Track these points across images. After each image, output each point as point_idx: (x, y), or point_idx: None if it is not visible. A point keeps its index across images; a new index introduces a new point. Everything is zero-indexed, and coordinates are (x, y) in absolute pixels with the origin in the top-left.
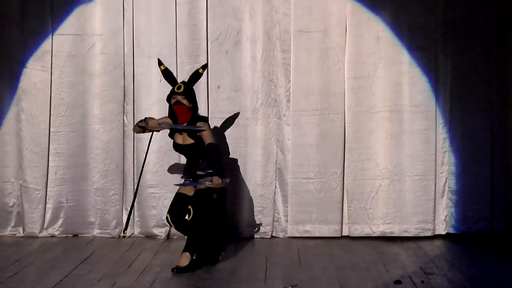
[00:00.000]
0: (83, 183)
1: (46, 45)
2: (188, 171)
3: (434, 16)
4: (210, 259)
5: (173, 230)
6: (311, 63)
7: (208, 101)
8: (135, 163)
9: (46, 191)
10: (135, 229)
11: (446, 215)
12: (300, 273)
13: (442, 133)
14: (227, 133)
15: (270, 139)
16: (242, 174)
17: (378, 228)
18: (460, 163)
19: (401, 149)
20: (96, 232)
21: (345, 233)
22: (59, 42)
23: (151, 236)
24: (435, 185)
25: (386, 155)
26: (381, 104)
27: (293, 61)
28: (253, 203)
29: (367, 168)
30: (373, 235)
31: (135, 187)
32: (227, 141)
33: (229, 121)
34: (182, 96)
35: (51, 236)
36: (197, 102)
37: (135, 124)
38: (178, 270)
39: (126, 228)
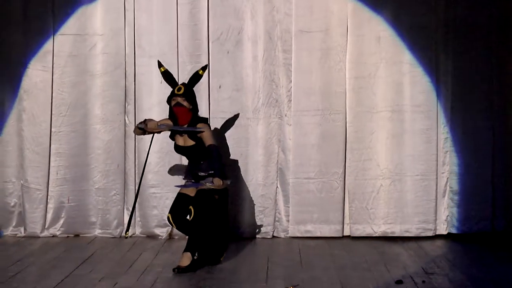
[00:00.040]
0: (84, 183)
1: (47, 45)
2: (189, 172)
3: (435, 16)
4: (212, 259)
5: (175, 230)
6: (312, 63)
7: (209, 101)
8: (136, 163)
9: (48, 191)
10: (136, 229)
11: (447, 215)
12: (301, 273)
13: (443, 133)
14: (228, 133)
15: (271, 139)
16: (243, 174)
17: (379, 228)
18: (461, 163)
19: (402, 149)
20: (97, 232)
21: (346, 233)
22: (60, 42)
23: (152, 236)
24: (436, 185)
25: (387, 155)
26: (382, 104)
27: (294, 61)
28: (254, 203)
29: (368, 168)
30: (374, 235)
31: (136, 189)
32: (228, 141)
33: (230, 122)
34: (182, 97)
35: (53, 236)
36: (199, 102)
37: (135, 126)
38: (179, 270)
39: (128, 229)
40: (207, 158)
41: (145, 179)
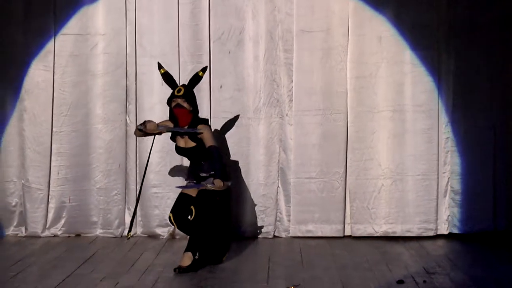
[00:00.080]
0: (85, 182)
1: (48, 45)
2: (191, 173)
3: (437, 15)
4: (214, 259)
5: (177, 230)
6: (313, 63)
7: (210, 101)
8: (137, 162)
9: (49, 191)
10: (137, 229)
11: (449, 215)
12: (302, 273)
13: (444, 133)
14: (229, 133)
15: (272, 139)
16: (244, 174)
17: (380, 228)
18: (462, 162)
19: (403, 148)
20: (98, 231)
21: (347, 232)
22: (61, 42)
23: (153, 236)
24: (438, 184)
25: (388, 154)
26: (383, 104)
27: (295, 60)
28: (255, 203)
29: (370, 167)
30: (375, 235)
31: (138, 190)
32: (230, 141)
33: (231, 122)
34: (182, 99)
35: (54, 236)
36: (200, 102)
37: (136, 127)
38: (180, 270)
39: (130, 230)
40: (209, 159)
41: (146, 179)
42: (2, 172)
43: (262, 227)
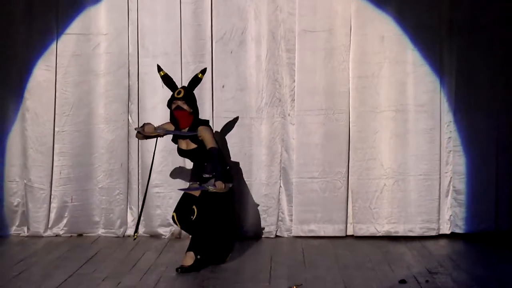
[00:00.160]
0: (87, 182)
1: (51, 44)
2: (194, 175)
3: (439, 14)
4: (218, 259)
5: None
6: (316, 63)
7: (212, 101)
8: (139, 162)
9: (51, 191)
10: (139, 229)
11: (451, 215)
12: (304, 272)
13: (446, 133)
14: (231, 132)
15: (274, 139)
16: (246, 173)
17: (382, 228)
18: (465, 162)
19: (405, 148)
20: (100, 231)
21: (349, 232)
22: (64, 41)
23: (155, 236)
24: (440, 184)
25: (390, 154)
26: (385, 104)
27: (297, 60)
28: (257, 203)
29: (372, 167)
30: (377, 235)
31: (144, 191)
32: (232, 141)
33: (233, 123)
34: (182, 101)
35: (56, 236)
36: (202, 102)
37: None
38: (182, 270)
39: (136, 231)
40: (211, 160)
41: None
42: (4, 171)
43: (264, 227)
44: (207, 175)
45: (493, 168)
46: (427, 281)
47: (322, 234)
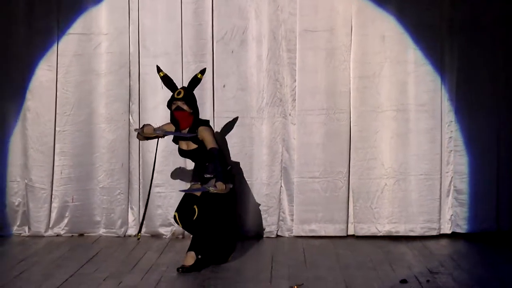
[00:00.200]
0: (88, 182)
1: (52, 44)
2: (196, 175)
3: (440, 13)
4: (219, 259)
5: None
6: (317, 63)
7: (213, 101)
8: (140, 162)
9: (52, 190)
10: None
11: (452, 215)
12: (305, 272)
13: (447, 132)
14: (232, 132)
15: (275, 139)
16: (247, 173)
17: (383, 228)
18: (465, 162)
19: (406, 148)
20: (101, 231)
21: (350, 232)
22: (65, 41)
23: (156, 235)
24: (441, 184)
25: (391, 154)
26: (386, 104)
27: (298, 60)
28: (258, 203)
29: (373, 167)
30: (378, 234)
31: (148, 191)
32: (233, 141)
33: (232, 124)
34: (182, 101)
35: (57, 235)
36: (203, 101)
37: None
38: (183, 270)
39: (140, 231)
40: (212, 161)
41: (149, 178)
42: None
43: (264, 230)
44: (208, 175)
45: (494, 167)
46: (428, 281)
47: (323, 234)
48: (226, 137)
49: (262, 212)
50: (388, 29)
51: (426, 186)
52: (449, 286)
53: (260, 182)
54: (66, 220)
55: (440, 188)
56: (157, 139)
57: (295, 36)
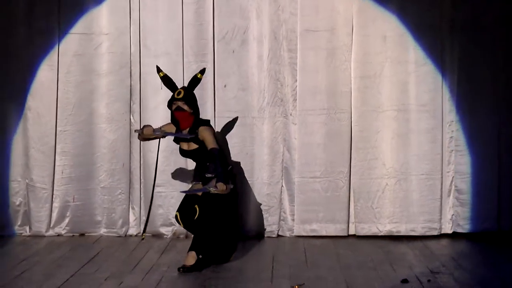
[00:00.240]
0: (89, 182)
1: (53, 44)
2: (197, 175)
3: (440, 13)
4: (221, 259)
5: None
6: (317, 63)
7: (214, 101)
8: (141, 162)
9: (53, 190)
10: (141, 228)
11: (453, 214)
12: (306, 272)
13: (448, 132)
14: (233, 132)
15: (276, 138)
16: (248, 173)
17: (384, 227)
18: (466, 162)
19: (407, 148)
20: (102, 231)
21: (351, 232)
22: (66, 41)
23: (157, 235)
24: (442, 184)
25: (392, 154)
26: (387, 103)
27: (299, 60)
28: (259, 202)
29: (374, 167)
30: (379, 234)
31: (151, 191)
32: (234, 141)
33: (232, 124)
34: (182, 101)
35: (58, 235)
36: (204, 101)
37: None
38: (184, 269)
39: (144, 231)
40: (213, 161)
41: (150, 178)
42: (6, 171)
43: (265, 230)
44: (209, 175)
45: (495, 167)
46: (429, 280)
47: (324, 233)
48: (227, 137)
49: (263, 212)
50: (389, 29)
51: (427, 186)
52: (450, 286)
53: (261, 182)
54: (67, 220)
55: (441, 188)
56: (159, 140)
57: (296, 36)
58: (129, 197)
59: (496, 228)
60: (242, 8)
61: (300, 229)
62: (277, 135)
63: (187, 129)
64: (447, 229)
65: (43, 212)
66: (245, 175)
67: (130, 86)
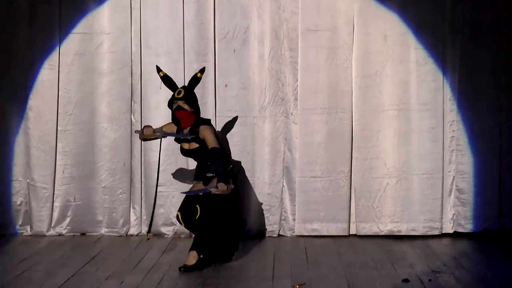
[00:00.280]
0: (90, 181)
1: (54, 43)
2: (198, 174)
3: (442, 13)
4: (223, 258)
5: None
6: (319, 62)
7: (215, 100)
8: (142, 161)
9: (54, 190)
10: (142, 228)
11: (454, 214)
12: (308, 271)
13: (449, 132)
14: (234, 131)
15: (277, 138)
16: (249, 172)
17: (385, 227)
18: (468, 161)
19: (408, 147)
20: (103, 230)
21: (352, 231)
22: (67, 40)
23: (158, 235)
24: (443, 183)
25: (393, 153)
26: (388, 103)
27: (300, 59)
28: (260, 202)
29: (375, 166)
30: (380, 234)
31: (155, 191)
32: (235, 140)
33: (232, 123)
34: (183, 101)
35: (59, 235)
36: (205, 100)
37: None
38: (185, 269)
39: (149, 231)
40: (214, 160)
41: (151, 177)
42: (7, 171)
43: (266, 230)
44: (210, 174)
45: (496, 166)
46: (430, 280)
47: (325, 233)
48: (228, 136)
49: (264, 211)
50: (390, 28)
51: (428, 185)
52: (451, 285)
53: (262, 181)
54: (68, 220)
55: (442, 187)
56: (160, 140)
57: (297, 35)
58: (130, 197)
59: (497, 227)
60: (243, 7)
61: (301, 229)
62: (278, 134)
63: (188, 128)
64: (448, 228)
65: (44, 211)
66: (246, 175)
67: (131, 85)
